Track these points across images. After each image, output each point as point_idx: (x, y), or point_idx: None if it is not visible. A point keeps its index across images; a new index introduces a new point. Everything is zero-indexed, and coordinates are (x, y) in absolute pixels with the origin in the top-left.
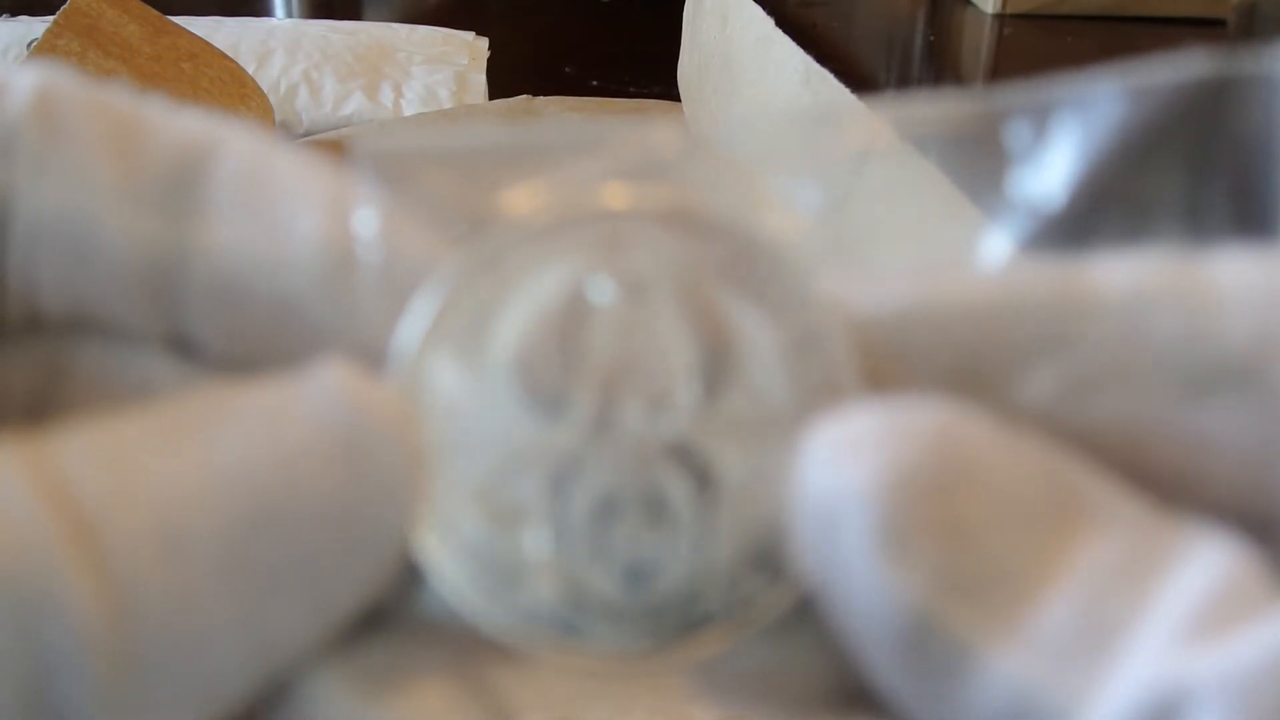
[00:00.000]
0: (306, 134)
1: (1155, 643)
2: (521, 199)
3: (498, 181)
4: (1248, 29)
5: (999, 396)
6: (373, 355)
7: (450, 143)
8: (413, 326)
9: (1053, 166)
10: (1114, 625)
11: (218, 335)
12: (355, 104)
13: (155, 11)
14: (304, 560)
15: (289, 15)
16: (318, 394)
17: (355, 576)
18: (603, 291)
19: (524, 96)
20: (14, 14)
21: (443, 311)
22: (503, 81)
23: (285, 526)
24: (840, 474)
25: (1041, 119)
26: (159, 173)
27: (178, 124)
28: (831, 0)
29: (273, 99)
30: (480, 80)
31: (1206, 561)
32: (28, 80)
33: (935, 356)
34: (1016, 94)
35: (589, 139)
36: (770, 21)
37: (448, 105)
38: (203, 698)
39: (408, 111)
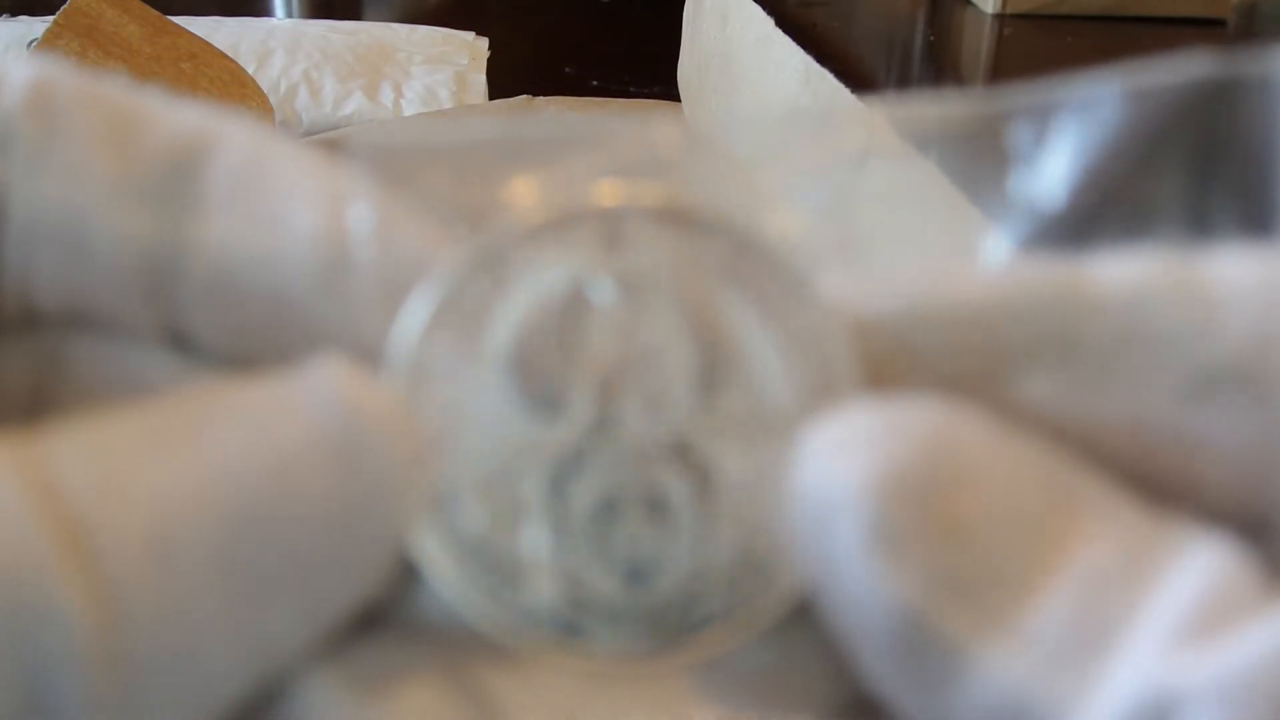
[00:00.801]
0: (306, 134)
1: (1149, 645)
2: (519, 195)
3: (494, 178)
4: (1248, 29)
5: (999, 396)
6: (368, 351)
7: (447, 138)
8: (411, 323)
9: (1053, 168)
10: (1108, 627)
11: (215, 330)
12: (355, 104)
13: (155, 11)
14: (298, 561)
15: (289, 15)
16: (313, 392)
17: (351, 577)
18: (601, 290)
19: (524, 97)
20: (14, 14)
21: (441, 307)
22: (503, 81)
23: (278, 527)
24: (834, 471)
25: (1042, 121)
26: (155, 167)
27: (175, 117)
28: (831, 0)
29: (273, 99)
30: (480, 80)
31: (1202, 564)
32: (23, 73)
33: (936, 356)
34: (1017, 95)
35: (587, 135)
36: (770, 21)
37: (448, 105)
38: (196, 700)
39: (408, 111)
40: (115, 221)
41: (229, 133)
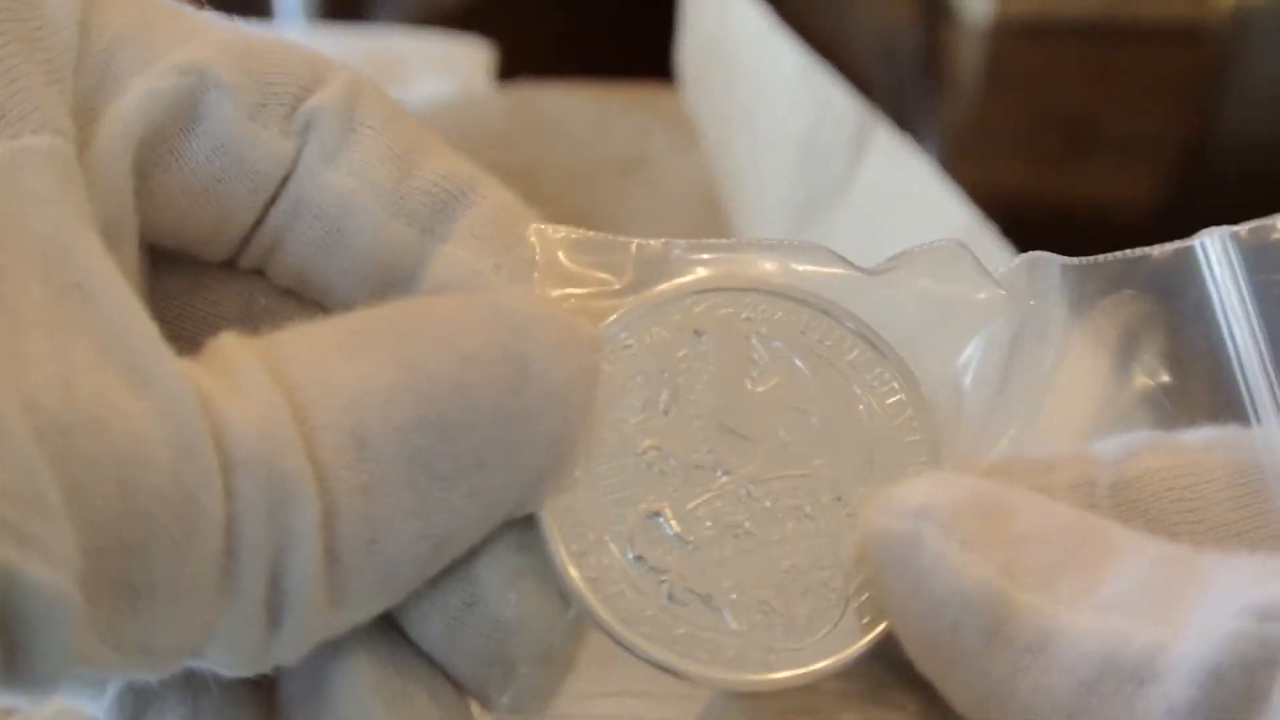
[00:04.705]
0: None
1: (1232, 577)
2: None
3: None
4: (1239, 36)
5: None
6: None
7: None
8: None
9: None
10: (1177, 587)
11: None
12: None
13: None
14: (473, 457)
15: (300, 14)
16: (494, 306)
17: (519, 474)
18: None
19: (526, 84)
20: None
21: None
22: (506, 83)
23: (457, 426)
24: (911, 503)
25: None
26: (427, 194)
27: (451, 159)
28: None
29: None
30: (486, 85)
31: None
32: (343, 75)
33: None
34: None
35: None
36: (766, 16)
37: None
38: (386, 585)
39: None
40: (379, 225)
41: (492, 185)
